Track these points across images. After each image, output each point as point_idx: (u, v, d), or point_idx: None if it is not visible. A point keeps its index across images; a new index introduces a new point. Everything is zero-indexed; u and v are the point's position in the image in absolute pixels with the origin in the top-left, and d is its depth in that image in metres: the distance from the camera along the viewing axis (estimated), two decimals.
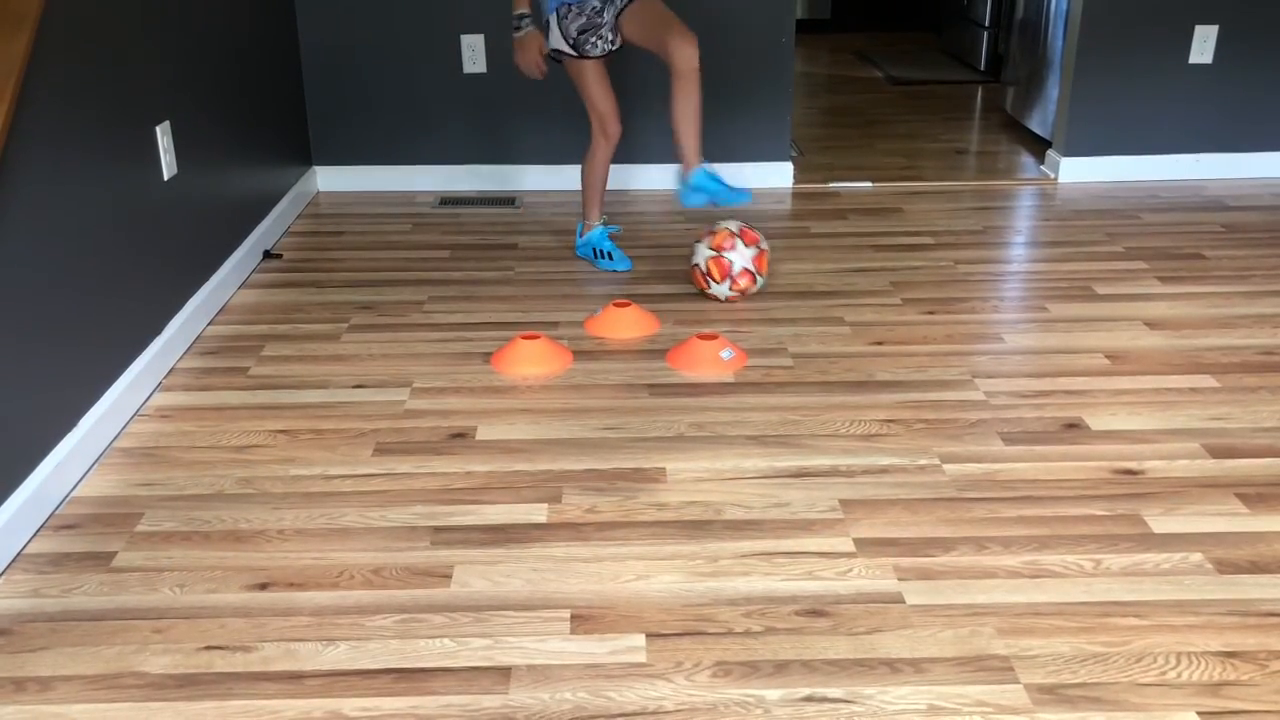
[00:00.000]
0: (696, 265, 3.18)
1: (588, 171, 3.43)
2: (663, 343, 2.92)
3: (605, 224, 3.52)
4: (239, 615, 1.88)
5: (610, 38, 3.20)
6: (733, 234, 3.15)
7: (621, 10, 3.19)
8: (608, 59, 3.26)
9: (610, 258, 3.46)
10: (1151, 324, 3.02)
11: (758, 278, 3.18)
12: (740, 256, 3.13)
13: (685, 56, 3.10)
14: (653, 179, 4.25)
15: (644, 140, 4.19)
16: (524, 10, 3.13)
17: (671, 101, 3.16)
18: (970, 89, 6.07)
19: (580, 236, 3.53)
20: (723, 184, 3.20)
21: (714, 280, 3.15)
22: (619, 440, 2.44)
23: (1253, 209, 4.01)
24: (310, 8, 4.07)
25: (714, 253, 3.15)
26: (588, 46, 3.18)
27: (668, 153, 4.23)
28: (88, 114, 2.42)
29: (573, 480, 2.28)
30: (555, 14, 3.16)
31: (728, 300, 3.20)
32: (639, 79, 4.17)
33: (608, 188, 3.50)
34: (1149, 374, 2.74)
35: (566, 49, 3.20)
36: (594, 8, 3.15)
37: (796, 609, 1.88)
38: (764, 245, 3.19)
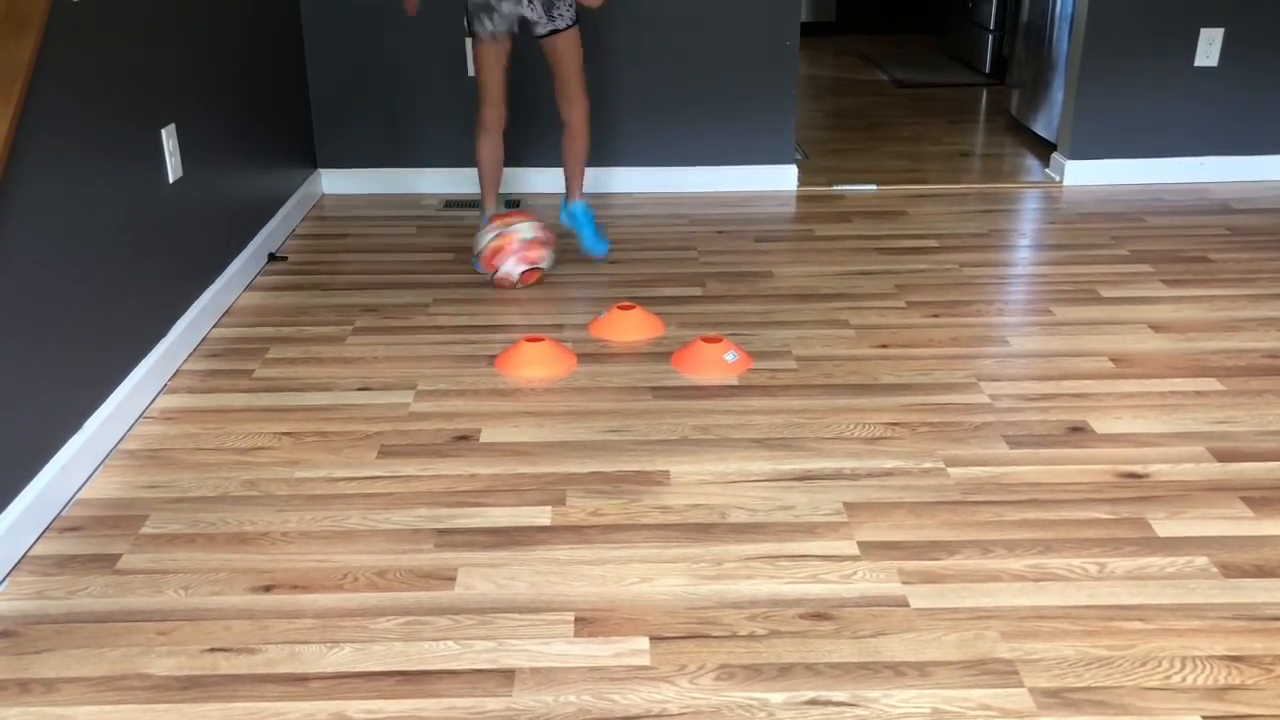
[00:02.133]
0: (484, 249, 3.25)
1: (477, 161, 3.49)
2: (667, 345, 2.92)
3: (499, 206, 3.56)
4: (243, 617, 1.88)
5: (503, 27, 3.24)
6: (510, 214, 3.29)
7: (547, 35, 3.27)
8: (503, 48, 3.30)
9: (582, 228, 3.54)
10: (1156, 327, 3.02)
11: (545, 253, 3.26)
12: (526, 228, 3.24)
13: (569, 112, 3.39)
14: (657, 181, 4.25)
15: (644, 144, 4.19)
16: None
17: (561, 142, 3.47)
18: (975, 92, 6.07)
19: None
20: (592, 227, 3.50)
21: (505, 255, 3.22)
22: (623, 443, 2.44)
23: (1258, 212, 4.00)
24: (315, 11, 4.08)
25: (498, 231, 3.24)
26: (475, 25, 3.26)
27: (665, 156, 4.26)
28: (94, 116, 2.43)
29: (577, 483, 2.29)
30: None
31: (524, 279, 3.26)
32: (637, 83, 4.18)
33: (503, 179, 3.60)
34: (1154, 377, 2.73)
35: (467, 29, 3.31)
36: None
37: (800, 612, 1.88)
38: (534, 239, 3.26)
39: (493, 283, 3.30)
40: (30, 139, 2.11)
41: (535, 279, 3.31)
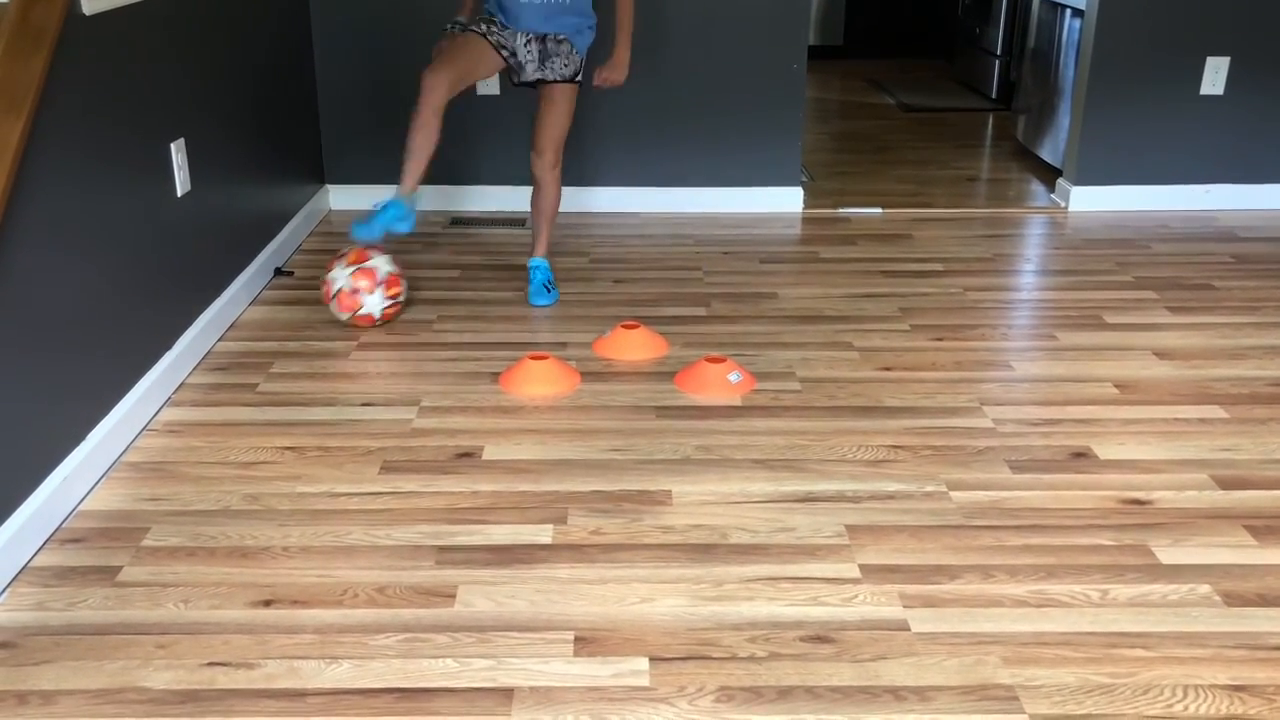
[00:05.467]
0: (342, 289, 3.04)
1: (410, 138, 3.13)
2: (671, 365, 2.92)
3: (410, 197, 3.16)
4: (242, 632, 1.88)
5: (493, 36, 3.10)
6: (364, 250, 3.08)
7: (545, 82, 3.18)
8: (488, 53, 3.12)
9: (375, 213, 3.10)
10: (1161, 354, 3.02)
11: (403, 287, 3.14)
12: (383, 262, 3.08)
13: (537, 166, 3.31)
14: (664, 201, 4.26)
15: (651, 165, 4.20)
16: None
17: (531, 196, 3.39)
18: (981, 117, 6.08)
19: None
20: (544, 283, 3.38)
21: (365, 294, 3.03)
22: (625, 462, 2.44)
23: (1263, 240, 4.00)
24: (326, 27, 4.10)
25: (355, 266, 3.05)
26: (450, 24, 3.23)
27: (672, 177, 4.27)
28: (103, 130, 2.44)
29: (578, 501, 2.28)
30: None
31: (384, 317, 3.09)
32: (645, 104, 4.19)
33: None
34: (1158, 404, 2.73)
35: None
36: (490, 16, 3.15)
37: (801, 635, 1.88)
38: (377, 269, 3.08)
39: (348, 321, 3.09)
40: (40, 152, 2.13)
41: (396, 313, 3.16)
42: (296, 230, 3.87)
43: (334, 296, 3.08)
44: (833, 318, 3.27)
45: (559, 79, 3.19)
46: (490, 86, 4.17)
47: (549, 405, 2.72)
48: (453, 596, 1.98)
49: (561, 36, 3.16)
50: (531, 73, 3.18)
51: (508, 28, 3.15)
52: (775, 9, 4.09)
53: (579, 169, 4.19)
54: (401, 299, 3.17)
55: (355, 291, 3.06)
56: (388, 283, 3.10)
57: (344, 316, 3.09)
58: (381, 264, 3.09)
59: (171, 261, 2.83)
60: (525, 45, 3.15)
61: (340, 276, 3.07)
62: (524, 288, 3.46)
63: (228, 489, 2.33)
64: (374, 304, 3.07)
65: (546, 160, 3.30)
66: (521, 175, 4.26)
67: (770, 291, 3.48)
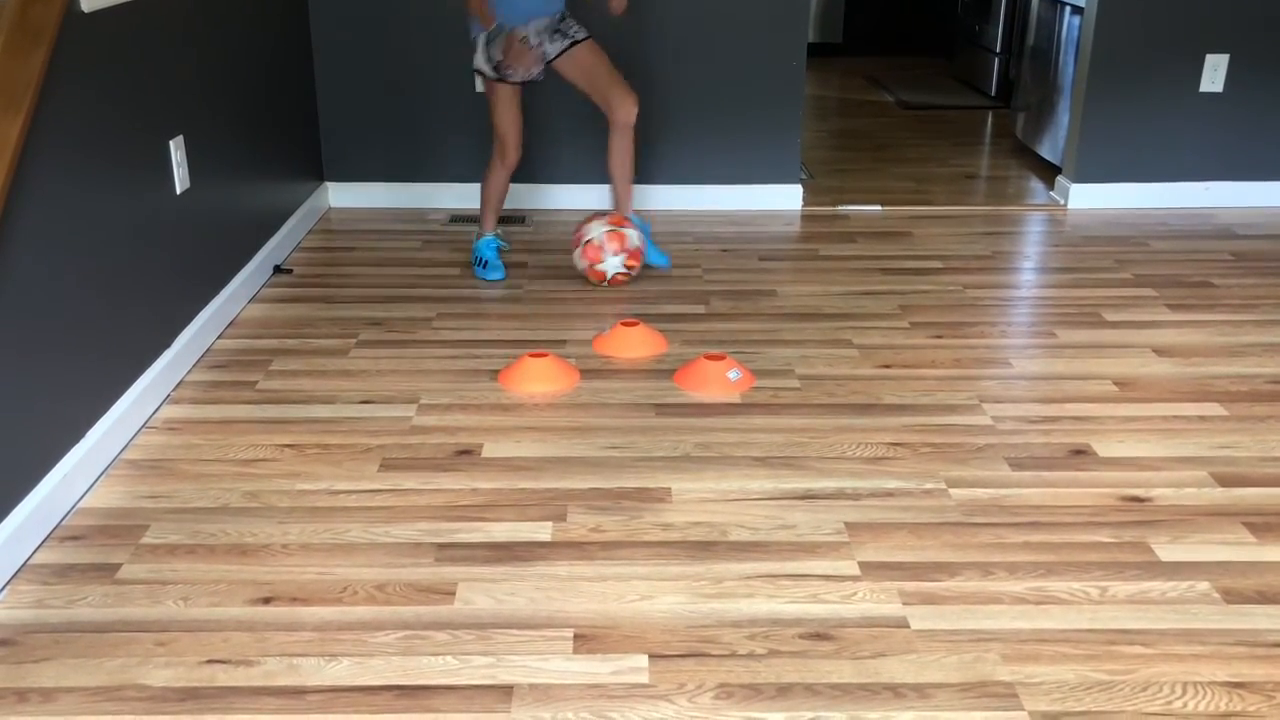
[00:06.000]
0: (592, 240, 3.33)
1: (485, 187, 3.55)
2: (670, 363, 2.92)
3: (497, 236, 3.60)
4: (242, 629, 1.88)
5: (536, 71, 3.32)
6: (623, 219, 3.41)
7: (565, 50, 3.31)
8: (525, 86, 3.37)
9: (485, 266, 3.54)
10: (1160, 351, 3.02)
11: (640, 260, 3.41)
12: (635, 236, 3.36)
13: (625, 112, 3.40)
14: (663, 199, 4.25)
15: (650, 162, 4.20)
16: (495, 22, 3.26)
17: (609, 153, 3.46)
18: (981, 114, 6.08)
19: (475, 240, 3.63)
20: (649, 241, 3.51)
21: (609, 253, 3.32)
22: (625, 459, 2.44)
23: (1262, 237, 4.01)
24: (325, 25, 4.09)
25: (612, 228, 3.34)
26: (508, 73, 3.29)
27: (671, 174, 4.27)
28: (102, 127, 2.44)
29: (578, 499, 2.28)
30: (483, 35, 3.27)
31: (613, 281, 3.38)
32: (643, 102, 4.18)
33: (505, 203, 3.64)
34: (1157, 401, 2.73)
35: (487, 70, 3.31)
36: (523, 38, 3.24)
37: (800, 632, 1.88)
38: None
39: (583, 270, 3.39)
40: (39, 149, 2.12)
41: (621, 282, 3.41)
42: (295, 228, 3.87)
43: (583, 244, 3.36)
44: (832, 315, 3.27)
45: (582, 38, 3.33)
46: None
47: (548, 403, 2.72)
48: (452, 594, 1.98)
49: (565, 12, 3.34)
50: (558, 48, 3.31)
51: (536, 44, 3.27)
52: (774, 6, 4.09)
53: (578, 167, 4.19)
54: (634, 274, 3.42)
55: (602, 247, 3.34)
56: (631, 253, 3.36)
57: (582, 264, 3.38)
58: (633, 236, 3.37)
59: (170, 259, 2.82)
60: (548, 39, 3.28)
61: (596, 231, 3.35)
62: (521, 284, 3.47)
63: (227, 486, 2.33)
64: (612, 265, 3.35)
65: (630, 108, 3.38)
66: (521, 173, 4.26)
67: (769, 289, 3.48)
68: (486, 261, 3.54)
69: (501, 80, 3.31)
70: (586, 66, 3.35)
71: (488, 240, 3.57)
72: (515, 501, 2.27)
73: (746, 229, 4.10)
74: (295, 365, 2.92)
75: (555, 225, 4.07)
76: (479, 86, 3.51)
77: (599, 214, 3.44)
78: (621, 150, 3.46)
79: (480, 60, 3.31)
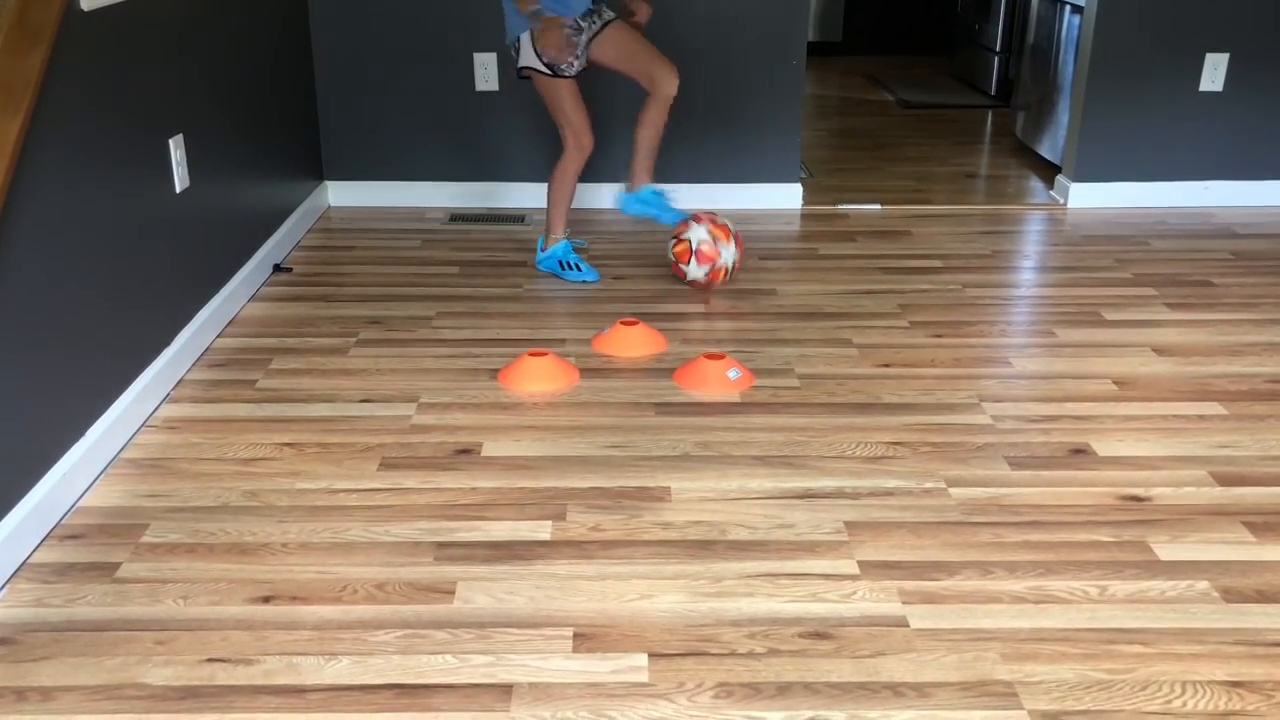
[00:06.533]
0: (688, 240, 3.32)
1: (557, 186, 3.48)
2: (670, 361, 2.92)
3: (570, 237, 3.57)
4: (241, 628, 1.88)
5: (582, 58, 3.32)
6: (729, 230, 3.37)
7: (596, 34, 3.31)
8: (579, 78, 3.36)
9: (578, 269, 3.50)
10: (1160, 350, 3.02)
11: (726, 275, 3.39)
12: (729, 252, 3.34)
13: (670, 84, 3.36)
14: None
15: (657, 158, 4.19)
16: (536, 7, 3.21)
17: (641, 121, 3.42)
18: (980, 113, 6.08)
19: (542, 250, 3.56)
20: (665, 204, 3.51)
21: (723, 245, 3.32)
22: (624, 458, 2.44)
23: (1262, 236, 4.01)
24: (325, 24, 4.09)
25: (710, 238, 3.32)
26: (563, 66, 3.27)
27: (671, 173, 4.25)
28: (102, 125, 2.44)
29: (577, 498, 2.28)
30: (526, 34, 3.25)
31: (691, 283, 3.38)
32: (643, 100, 4.17)
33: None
34: (1157, 400, 2.73)
35: (540, 67, 3.28)
36: (571, 25, 3.24)
37: (800, 631, 1.88)
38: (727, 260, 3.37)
39: (704, 279, 3.36)
40: (39, 148, 2.12)
41: (701, 286, 3.40)
42: (295, 226, 3.87)
43: (694, 253, 3.32)
44: (832, 314, 3.27)
45: (611, 18, 3.35)
46: (489, 83, 4.17)
47: (548, 402, 2.72)
48: (452, 593, 1.98)
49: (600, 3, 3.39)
50: (595, 29, 3.32)
51: (576, 34, 3.28)
52: (774, 5, 4.09)
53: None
54: (716, 284, 3.41)
55: (715, 241, 3.32)
56: (736, 239, 3.38)
57: (702, 270, 3.33)
58: (726, 254, 3.35)
59: (170, 258, 2.82)
60: (586, 27, 3.31)
61: (699, 233, 3.32)
62: (521, 283, 3.47)
63: (227, 485, 2.33)
64: (729, 255, 3.34)
65: (673, 81, 3.36)
66: (521, 172, 4.28)
67: (769, 288, 3.48)
68: (573, 264, 3.50)
69: (557, 75, 3.29)
70: (622, 43, 3.34)
71: (565, 244, 3.51)
72: (515, 500, 2.28)
73: (746, 228, 4.08)
74: (295, 364, 2.92)
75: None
76: (535, 87, 3.38)
77: (684, 221, 3.38)
78: (654, 122, 3.40)
79: (530, 58, 3.27)
